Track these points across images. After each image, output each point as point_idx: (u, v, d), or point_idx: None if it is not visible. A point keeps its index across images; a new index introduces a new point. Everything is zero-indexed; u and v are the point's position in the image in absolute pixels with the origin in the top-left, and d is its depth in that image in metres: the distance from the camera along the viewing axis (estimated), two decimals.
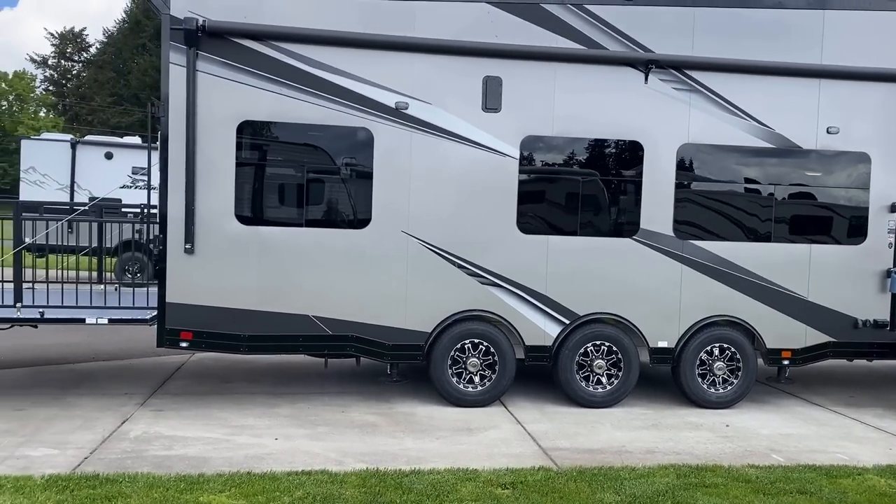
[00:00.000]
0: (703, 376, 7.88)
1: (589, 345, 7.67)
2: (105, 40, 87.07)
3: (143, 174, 17.04)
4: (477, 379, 7.58)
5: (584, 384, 7.71)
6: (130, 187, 17.03)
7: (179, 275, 7.07)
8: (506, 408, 7.60)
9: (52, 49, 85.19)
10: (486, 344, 7.53)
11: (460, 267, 7.44)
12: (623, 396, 7.78)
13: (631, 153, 7.68)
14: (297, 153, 7.35)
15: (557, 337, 7.62)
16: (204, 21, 6.87)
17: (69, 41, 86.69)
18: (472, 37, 7.36)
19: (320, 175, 7.36)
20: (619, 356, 7.70)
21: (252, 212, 7.25)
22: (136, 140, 19.32)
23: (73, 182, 16.70)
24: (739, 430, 7.15)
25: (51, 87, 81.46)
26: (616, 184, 7.75)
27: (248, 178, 7.23)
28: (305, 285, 7.28)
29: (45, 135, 19.05)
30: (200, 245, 7.08)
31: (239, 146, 7.14)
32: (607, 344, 7.69)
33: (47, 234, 7.46)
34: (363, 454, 6.02)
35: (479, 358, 7.53)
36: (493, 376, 7.57)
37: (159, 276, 7.13)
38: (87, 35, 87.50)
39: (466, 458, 5.93)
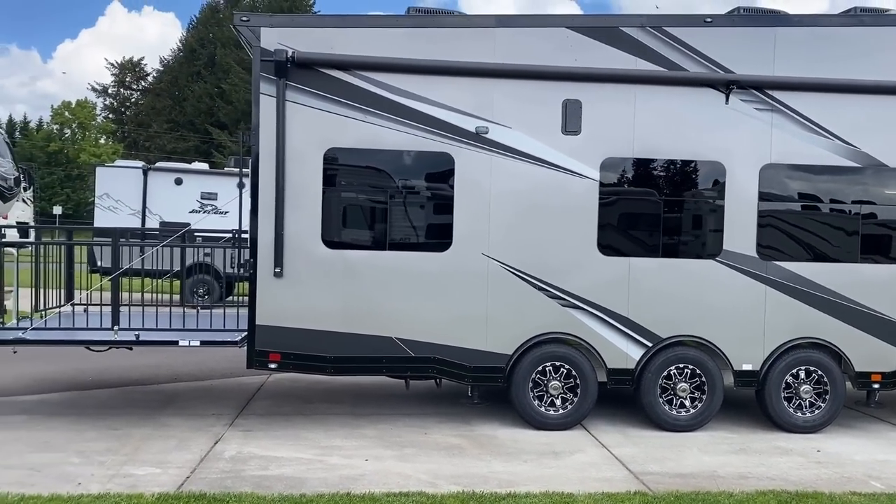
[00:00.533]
0: (788, 400, 7.72)
1: (672, 368, 7.60)
2: (161, 69, 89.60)
3: (212, 199, 17.54)
4: (558, 402, 7.56)
5: (667, 407, 7.63)
6: (199, 212, 17.55)
7: (268, 297, 7.26)
8: (587, 431, 7.56)
9: (113, 78, 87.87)
10: (567, 367, 7.52)
11: (541, 289, 7.47)
12: (707, 420, 7.67)
13: (712, 174, 7.63)
14: (381, 178, 7.50)
15: (640, 360, 7.57)
16: (293, 52, 7.10)
17: (128, 70, 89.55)
18: (552, 61, 7.44)
19: (402, 199, 7.49)
20: (703, 379, 7.60)
21: (337, 235, 7.42)
22: (204, 166, 19.93)
23: (144, 207, 17.26)
24: (832, 455, 6.98)
25: (110, 115, 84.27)
26: (698, 205, 7.71)
27: (334, 203, 7.41)
28: (388, 307, 7.39)
29: (117, 162, 19.78)
30: (288, 268, 7.26)
31: (325, 172, 7.32)
32: (691, 367, 7.60)
33: (143, 259, 7.74)
34: (454, 476, 6.06)
35: (560, 381, 7.52)
36: (575, 399, 7.54)
37: (249, 299, 7.33)
38: (145, 64, 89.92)
39: (558, 482, 5.92)
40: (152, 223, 17.27)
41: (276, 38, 7.17)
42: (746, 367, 7.65)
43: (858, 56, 7.68)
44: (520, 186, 7.45)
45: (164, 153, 78.52)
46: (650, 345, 7.57)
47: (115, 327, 7.25)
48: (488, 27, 7.43)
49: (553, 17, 7.52)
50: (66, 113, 75.43)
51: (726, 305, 7.59)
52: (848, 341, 7.70)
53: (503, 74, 7.42)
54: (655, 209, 7.62)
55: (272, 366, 7.36)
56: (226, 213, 17.76)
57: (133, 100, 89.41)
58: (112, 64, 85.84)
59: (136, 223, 17.16)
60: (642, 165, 7.60)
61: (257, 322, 7.27)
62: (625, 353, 7.56)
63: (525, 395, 7.50)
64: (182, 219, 17.52)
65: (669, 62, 7.53)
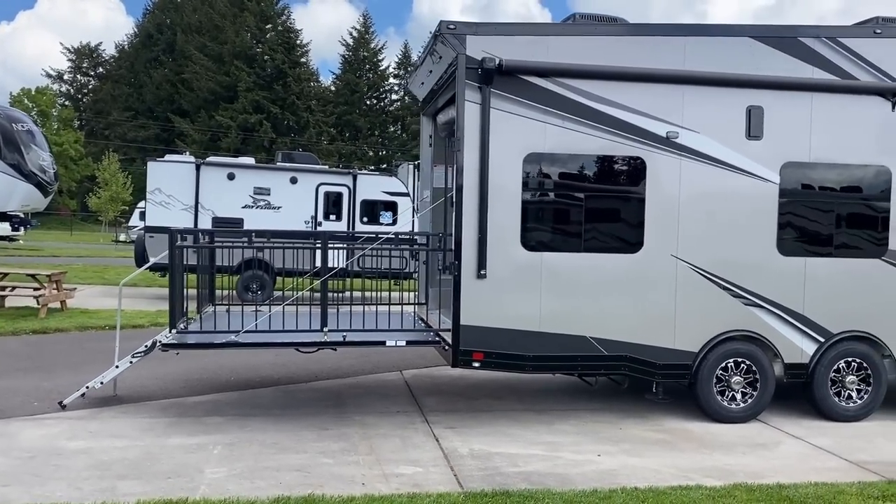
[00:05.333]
0: None
1: (841, 361, 8.04)
2: (116, 55, 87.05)
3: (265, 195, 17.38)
4: (739, 396, 7.92)
5: (837, 399, 8.07)
6: (252, 207, 17.38)
7: (472, 298, 7.39)
8: (766, 423, 7.94)
9: (69, 64, 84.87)
10: (748, 363, 7.87)
11: (725, 289, 7.80)
12: (873, 410, 8.14)
13: (880, 178, 8.08)
14: (576, 182, 7.69)
15: (814, 355, 7.98)
16: (501, 60, 7.23)
17: (85, 56, 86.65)
18: (736, 69, 7.75)
19: (596, 203, 7.71)
20: (869, 372, 8.07)
21: (535, 238, 7.59)
22: (251, 160, 19.68)
23: (197, 203, 16.99)
24: None
25: (67, 103, 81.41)
26: (867, 207, 8.13)
27: (532, 207, 7.58)
28: (583, 307, 7.62)
29: (168, 157, 19.31)
30: (490, 270, 7.41)
31: (524, 177, 7.49)
32: (858, 360, 8.06)
33: (351, 262, 7.78)
34: (698, 470, 6.34)
35: (741, 376, 7.88)
36: (755, 394, 7.91)
37: (453, 300, 7.46)
38: (103, 50, 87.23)
39: (800, 473, 6.26)
40: (205, 218, 17.03)
41: (482, 46, 7.29)
42: None
43: None
44: (706, 189, 7.76)
45: (124, 142, 76.38)
46: (822, 340, 7.99)
47: (325, 328, 7.30)
48: (680, 35, 7.70)
49: (738, 26, 7.84)
50: (26, 100, 72.52)
51: (891, 302, 8.06)
52: None
53: (692, 81, 7.70)
54: (830, 211, 8.02)
55: (475, 365, 7.50)
56: (278, 208, 17.65)
57: (90, 87, 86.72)
58: (68, 49, 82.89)
59: (189, 218, 16.88)
60: (817, 170, 7.98)
61: (462, 322, 7.40)
62: (800, 348, 7.96)
63: (710, 390, 7.84)
64: (235, 214, 17.37)
65: (842, 71, 7.93)
